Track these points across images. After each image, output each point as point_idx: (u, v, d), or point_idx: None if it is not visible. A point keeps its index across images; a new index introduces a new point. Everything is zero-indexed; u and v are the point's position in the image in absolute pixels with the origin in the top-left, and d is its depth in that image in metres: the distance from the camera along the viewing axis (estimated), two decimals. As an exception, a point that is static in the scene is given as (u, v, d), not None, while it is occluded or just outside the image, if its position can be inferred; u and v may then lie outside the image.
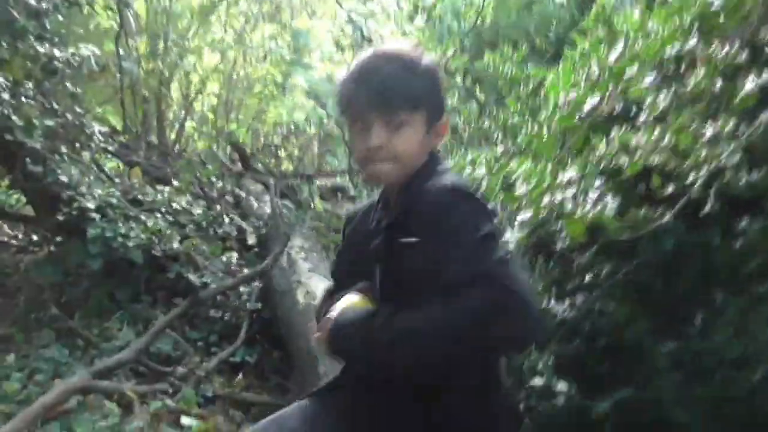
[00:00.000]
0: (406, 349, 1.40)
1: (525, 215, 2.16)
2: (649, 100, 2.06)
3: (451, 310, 1.31)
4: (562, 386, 2.48)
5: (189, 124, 8.35)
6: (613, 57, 3.01)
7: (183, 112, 8.20)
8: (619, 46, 3.06)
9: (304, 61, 7.68)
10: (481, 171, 2.36)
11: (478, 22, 5.00)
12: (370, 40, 7.17)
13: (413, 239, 1.46)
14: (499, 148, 3.39)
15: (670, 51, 2.60)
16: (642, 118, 2.55)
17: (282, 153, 8.32)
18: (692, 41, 2.56)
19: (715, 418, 2.38)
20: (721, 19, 2.41)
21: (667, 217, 2.00)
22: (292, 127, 8.70)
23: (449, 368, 1.46)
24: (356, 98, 1.55)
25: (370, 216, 1.73)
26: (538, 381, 2.48)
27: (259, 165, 6.82)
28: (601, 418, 2.45)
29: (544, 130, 3.05)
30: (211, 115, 8.51)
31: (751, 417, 2.35)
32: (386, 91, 1.51)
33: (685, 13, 2.64)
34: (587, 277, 2.54)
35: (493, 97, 4.53)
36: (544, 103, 3.46)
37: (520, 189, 2.16)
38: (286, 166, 7.91)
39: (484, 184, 2.24)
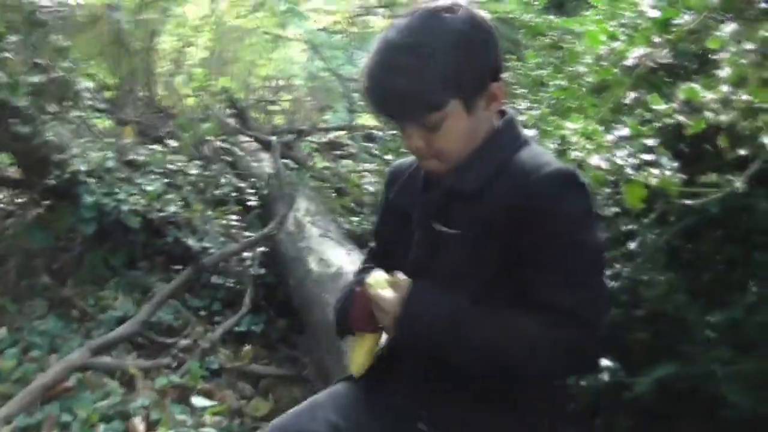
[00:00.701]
0: (487, 356, 1.30)
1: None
2: (727, 52, 1.82)
3: (549, 338, 1.26)
4: (604, 362, 2.32)
5: (180, 79, 8.03)
6: (647, 3, 2.78)
7: (173, 66, 7.87)
8: (653, -8, 2.83)
9: (301, 10, 7.34)
10: (532, 132, 2.14)
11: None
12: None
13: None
14: (522, 104, 3.18)
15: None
16: (696, 71, 2.35)
17: (275, 108, 8.05)
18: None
19: (764, 394, 2.24)
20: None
21: (738, 183, 1.80)
22: (284, 82, 8.43)
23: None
24: (376, 106, 1.38)
25: (416, 179, 1.52)
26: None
27: (254, 121, 6.55)
28: (644, 394, 2.31)
29: (575, 85, 2.84)
30: (202, 70, 8.20)
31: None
32: (396, 103, 1.33)
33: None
34: (632, 245, 2.36)
35: (510, 48, 4.28)
36: (569, 54, 3.23)
37: (574, 153, 1.94)
38: (280, 121, 7.65)
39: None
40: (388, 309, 1.35)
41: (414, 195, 1.50)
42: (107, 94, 6.31)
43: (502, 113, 1.44)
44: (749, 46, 1.76)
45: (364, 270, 1.61)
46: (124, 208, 3.97)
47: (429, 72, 1.28)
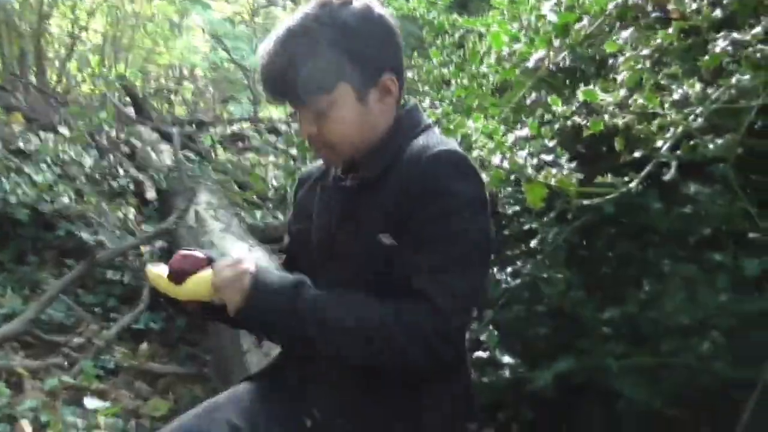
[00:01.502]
0: (333, 337, 1.29)
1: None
2: (624, 56, 1.89)
3: (395, 323, 1.24)
4: (506, 358, 2.37)
5: (72, 64, 7.68)
6: (546, 7, 2.85)
7: (65, 51, 7.52)
8: (553, -4, 2.91)
9: (202, -1, 7.15)
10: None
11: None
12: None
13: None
14: (425, 102, 3.20)
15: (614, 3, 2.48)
16: (594, 74, 2.43)
17: (175, 98, 7.83)
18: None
19: (656, 388, 2.34)
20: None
21: (633, 184, 1.87)
22: (186, 71, 8.21)
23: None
24: (265, 89, 1.41)
25: (326, 178, 1.51)
26: (481, 353, 2.35)
27: (153, 111, 6.34)
28: (544, 388, 2.38)
29: (476, 84, 2.88)
30: (96, 56, 7.87)
31: (689, 387, 2.33)
32: (286, 84, 1.34)
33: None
34: (532, 243, 2.42)
35: (414, 45, 4.30)
36: (471, 54, 3.28)
37: (476, 152, 1.97)
38: (180, 111, 7.45)
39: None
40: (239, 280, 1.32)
41: (319, 195, 1.49)
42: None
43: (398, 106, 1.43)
44: (645, 51, 1.83)
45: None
46: (12, 199, 3.77)
47: (315, 56, 1.30)
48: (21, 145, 4.27)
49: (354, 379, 1.35)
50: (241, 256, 1.41)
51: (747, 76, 1.76)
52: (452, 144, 1.36)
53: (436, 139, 1.35)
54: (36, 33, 6.82)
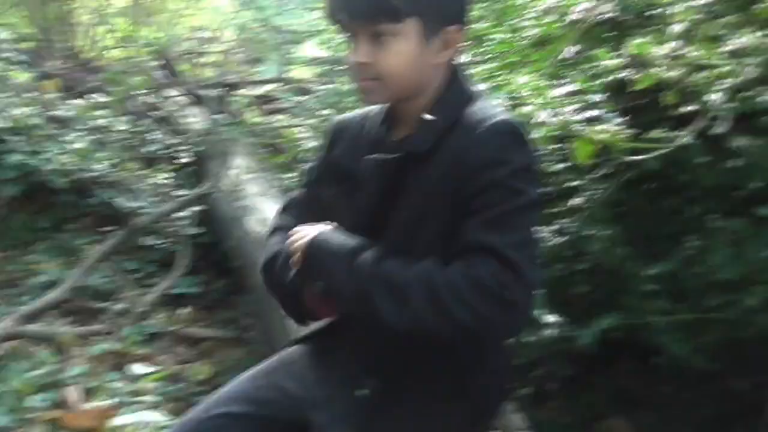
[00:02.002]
0: (396, 292, 1.23)
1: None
2: (673, 7, 1.81)
3: (468, 277, 1.18)
4: (550, 318, 2.34)
5: (102, 29, 7.66)
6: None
7: (94, 16, 7.49)
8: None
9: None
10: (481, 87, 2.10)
11: None
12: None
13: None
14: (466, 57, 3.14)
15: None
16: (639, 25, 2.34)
17: (203, 60, 7.78)
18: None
19: (699, 344, 2.31)
20: None
21: (686, 138, 1.81)
22: (213, 33, 8.14)
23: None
24: (330, 6, 1.33)
25: (362, 133, 1.46)
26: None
27: (183, 75, 6.30)
28: (587, 347, 2.36)
29: (518, 38, 2.81)
30: (125, 20, 7.84)
31: (733, 343, 2.30)
32: (362, 3, 1.27)
33: None
34: (576, 201, 2.38)
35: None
36: (510, 7, 3.19)
37: (524, 108, 1.91)
38: (209, 74, 7.40)
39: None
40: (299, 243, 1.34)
41: (361, 156, 1.41)
42: (25, 45, 5.96)
43: (452, 68, 1.38)
44: (698, 1, 1.75)
45: (283, 226, 1.53)
46: (50, 167, 3.79)
47: None
48: (57, 112, 4.28)
49: (397, 342, 1.31)
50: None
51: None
52: (505, 113, 1.32)
53: (490, 110, 1.31)
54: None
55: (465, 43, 1.37)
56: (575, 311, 2.52)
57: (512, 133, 1.26)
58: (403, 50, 1.28)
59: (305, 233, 1.34)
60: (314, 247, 1.31)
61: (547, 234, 2.43)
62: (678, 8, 1.81)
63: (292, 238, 1.36)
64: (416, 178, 1.31)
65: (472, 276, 1.17)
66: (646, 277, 2.40)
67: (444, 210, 1.27)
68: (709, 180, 2.29)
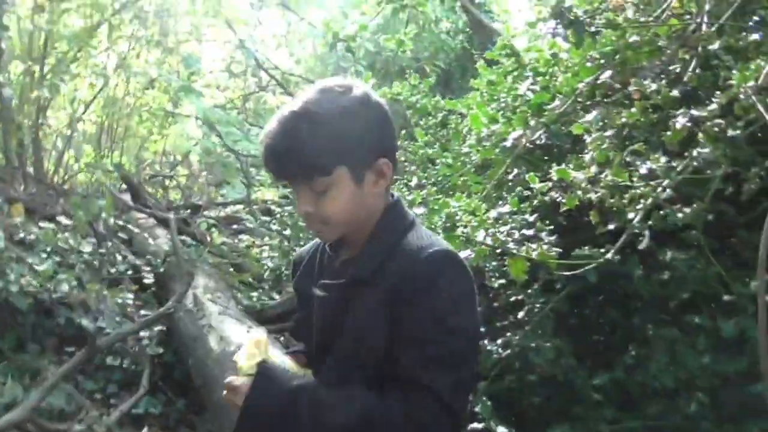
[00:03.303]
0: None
1: (464, 254, 2.09)
2: (591, 136, 2.03)
3: (403, 412, 1.30)
4: (501, 429, 2.42)
5: (69, 154, 7.87)
6: (523, 88, 3.03)
7: (62, 142, 7.72)
8: (528, 78, 3.09)
9: (195, 87, 7.39)
10: (420, 210, 2.27)
11: (398, 52, 4.96)
12: (261, 66, 7.02)
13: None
14: (413, 181, 3.34)
15: (584, 82, 2.64)
16: (570, 151, 2.57)
17: (169, 183, 7.99)
18: (606, 73, 2.60)
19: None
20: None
21: (609, 254, 1.98)
22: (180, 157, 8.39)
23: None
24: (266, 167, 1.47)
25: (316, 259, 1.60)
26: (476, 425, 2.41)
27: (148, 197, 6.47)
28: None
29: (459, 163, 3.03)
30: (91, 146, 8.07)
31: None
32: (287, 163, 1.41)
33: (598, 46, 2.68)
34: (520, 314, 2.51)
35: (399, 127, 4.47)
36: (454, 134, 3.44)
37: (459, 229, 2.08)
38: (175, 197, 7.59)
39: (425, 223, 2.15)
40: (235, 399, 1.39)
41: (314, 279, 1.56)
42: (-5, 172, 6.10)
43: (391, 195, 1.53)
44: (610, 132, 1.96)
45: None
46: (13, 289, 3.84)
47: (319, 137, 1.37)
48: (22, 235, 4.37)
49: None
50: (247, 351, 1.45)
51: (707, 150, 1.90)
52: (442, 243, 1.44)
53: (427, 239, 1.42)
54: (35, 125, 7.01)
55: (395, 170, 1.49)
56: (527, 423, 2.60)
57: (446, 263, 1.38)
58: (340, 195, 1.42)
59: (237, 391, 1.38)
60: (250, 406, 1.36)
61: (495, 347, 2.54)
62: (592, 137, 2.02)
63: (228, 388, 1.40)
64: (359, 303, 1.42)
65: (412, 417, 1.30)
66: (593, 387, 2.52)
67: (382, 333, 1.37)
68: (645, 291, 2.46)
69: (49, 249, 4.37)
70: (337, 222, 1.44)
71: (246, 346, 1.47)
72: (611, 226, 2.02)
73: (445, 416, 1.30)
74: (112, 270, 4.56)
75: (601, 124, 2.10)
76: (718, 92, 1.96)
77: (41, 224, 4.79)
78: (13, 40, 6.78)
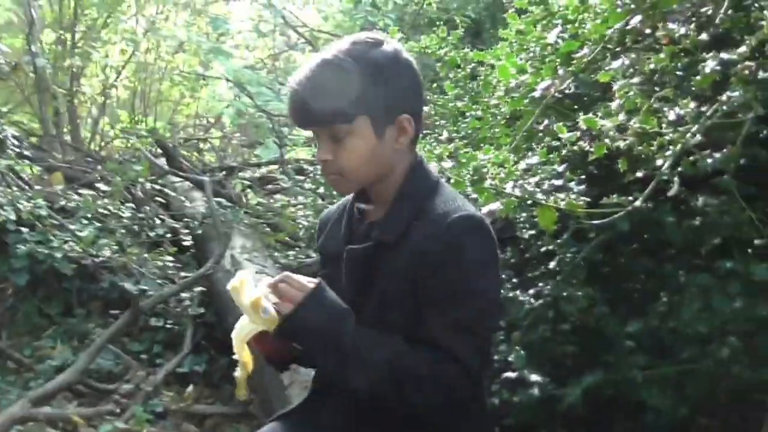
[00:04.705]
0: (369, 372, 1.37)
1: (494, 206, 2.10)
2: (617, 83, 2.01)
3: (429, 372, 1.35)
4: (534, 377, 2.46)
5: (104, 121, 7.98)
6: (552, 37, 2.98)
7: (96, 109, 7.83)
8: (557, 26, 3.03)
9: (224, 48, 7.40)
10: (449, 164, 2.28)
11: (425, 4, 4.91)
12: (289, 25, 7.00)
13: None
14: (443, 135, 3.34)
15: (613, 29, 2.59)
16: (599, 99, 2.54)
17: (203, 146, 8.07)
18: (636, 18, 2.55)
19: (681, 396, 2.41)
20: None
21: (638, 202, 1.97)
22: (212, 119, 8.45)
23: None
24: (291, 114, 1.51)
25: (342, 222, 1.62)
26: (510, 374, 2.45)
27: (183, 161, 6.55)
28: (573, 404, 2.46)
29: (489, 115, 3.01)
30: (125, 112, 8.17)
31: (713, 393, 2.40)
32: (312, 107, 1.43)
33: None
34: (551, 264, 2.52)
35: (429, 80, 4.44)
36: (484, 86, 3.41)
37: (488, 181, 2.09)
38: (210, 159, 7.67)
39: (452, 176, 2.16)
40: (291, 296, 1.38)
41: (340, 240, 1.58)
42: (33, 140, 6.23)
43: (414, 156, 1.53)
44: (637, 79, 1.94)
45: None
46: (58, 255, 3.96)
47: (343, 86, 1.40)
48: (63, 202, 4.48)
49: (373, 414, 1.44)
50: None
51: (737, 93, 1.86)
52: (467, 205, 1.45)
53: (452, 202, 1.43)
54: (69, 93, 7.13)
55: (420, 128, 1.51)
56: (561, 371, 2.63)
57: (470, 228, 1.40)
58: (359, 146, 1.44)
59: (296, 291, 1.38)
60: (299, 316, 1.37)
61: (527, 297, 2.57)
62: (618, 85, 2.00)
63: (286, 286, 1.40)
64: (385, 265, 1.45)
65: (435, 375, 1.35)
66: (626, 334, 2.53)
67: (410, 296, 1.41)
68: (677, 238, 2.45)
69: (89, 215, 4.49)
70: (352, 172, 1.46)
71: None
72: (640, 174, 2.00)
73: (466, 378, 1.36)
74: (151, 233, 4.65)
75: (630, 71, 2.07)
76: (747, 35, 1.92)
77: (81, 191, 4.91)
78: (43, 9, 6.86)
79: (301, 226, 4.54)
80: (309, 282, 1.41)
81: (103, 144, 7.74)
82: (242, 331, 1.48)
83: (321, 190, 4.66)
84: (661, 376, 2.47)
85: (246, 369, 1.51)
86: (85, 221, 4.38)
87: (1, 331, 4.05)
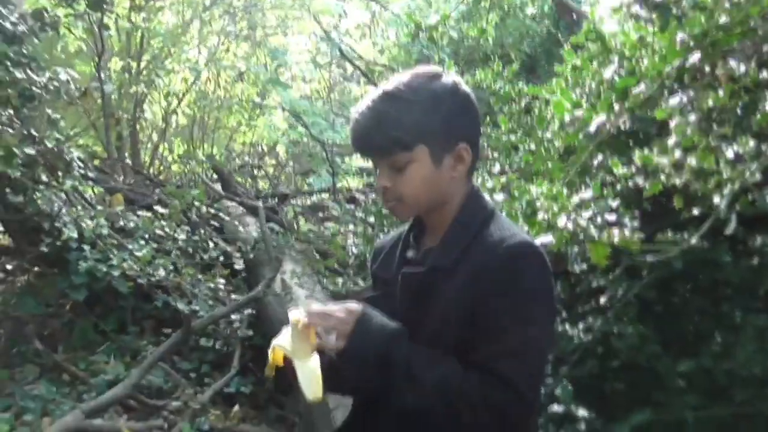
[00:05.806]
0: (424, 392, 1.37)
1: (545, 239, 2.11)
2: (675, 121, 2.01)
3: (482, 395, 1.34)
4: (582, 412, 2.44)
5: (164, 146, 8.22)
6: (608, 73, 2.99)
7: (157, 135, 8.08)
8: (614, 62, 3.04)
9: (281, 79, 7.60)
10: (501, 196, 2.30)
11: (481, 39, 4.97)
12: (346, 57, 7.14)
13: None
14: (496, 167, 3.36)
15: (671, 66, 2.59)
16: (655, 136, 2.54)
17: (258, 173, 8.23)
18: (695, 55, 2.54)
19: (734, 438, 2.36)
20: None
21: (693, 240, 1.96)
22: (267, 147, 8.63)
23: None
24: (352, 142, 1.54)
25: (397, 249, 1.65)
26: (557, 408, 2.43)
27: (238, 186, 6.69)
28: (621, 441, 2.42)
29: (543, 149, 3.02)
30: (184, 138, 8.40)
31: (769, 435, 2.35)
32: (373, 136, 1.47)
33: (687, 27, 2.62)
34: (602, 299, 2.51)
35: (483, 113, 4.47)
36: (538, 120, 3.43)
37: (540, 214, 2.10)
38: (263, 186, 7.82)
39: (504, 209, 2.18)
40: (340, 325, 1.41)
41: (395, 266, 1.60)
42: (96, 163, 6.45)
43: (470, 184, 1.56)
44: (694, 116, 1.94)
45: None
46: (116, 273, 4.08)
47: (403, 117, 1.43)
48: (122, 223, 4.62)
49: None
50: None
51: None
52: (522, 233, 1.47)
53: (508, 230, 1.46)
54: (132, 119, 7.36)
55: (476, 158, 1.53)
56: (609, 407, 2.60)
57: (527, 255, 1.41)
58: (418, 173, 1.47)
59: (347, 319, 1.41)
60: (353, 346, 1.38)
61: (577, 331, 2.55)
62: (675, 122, 2.00)
63: (333, 317, 1.42)
64: (440, 290, 1.47)
65: (488, 401, 1.34)
66: (678, 374, 2.49)
67: (464, 321, 1.41)
68: (734, 278, 2.42)
69: (147, 236, 4.61)
70: (411, 199, 1.49)
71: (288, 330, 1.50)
72: (696, 212, 1.99)
73: (520, 405, 1.36)
74: (205, 256, 4.76)
75: (688, 108, 2.07)
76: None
77: (140, 213, 5.05)
78: (112, 38, 7.14)
79: (350, 253, 4.59)
80: (349, 312, 1.42)
81: (162, 168, 7.96)
82: (283, 343, 1.51)
83: (371, 219, 4.71)
84: (714, 418, 2.43)
85: (276, 363, 1.54)
86: (142, 242, 4.50)
87: (57, 345, 4.17)
